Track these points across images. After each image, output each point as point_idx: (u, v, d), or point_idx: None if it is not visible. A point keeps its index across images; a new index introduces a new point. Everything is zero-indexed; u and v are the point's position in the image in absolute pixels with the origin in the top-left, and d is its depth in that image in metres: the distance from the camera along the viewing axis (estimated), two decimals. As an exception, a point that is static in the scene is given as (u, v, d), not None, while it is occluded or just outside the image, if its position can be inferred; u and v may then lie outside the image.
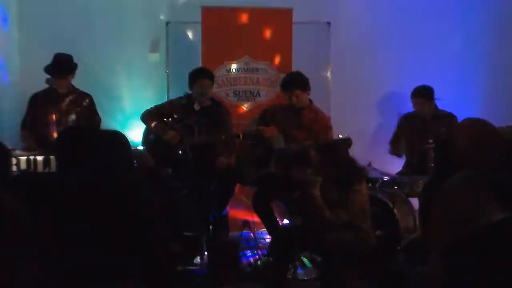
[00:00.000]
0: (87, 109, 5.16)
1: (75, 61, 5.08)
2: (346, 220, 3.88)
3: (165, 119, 4.91)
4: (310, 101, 4.90)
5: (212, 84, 5.05)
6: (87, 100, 5.18)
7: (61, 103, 5.05)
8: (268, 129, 4.84)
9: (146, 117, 4.98)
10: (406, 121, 5.49)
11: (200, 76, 4.94)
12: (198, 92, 4.89)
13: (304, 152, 4.44)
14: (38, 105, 5.05)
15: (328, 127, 4.85)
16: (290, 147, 4.72)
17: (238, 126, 5.16)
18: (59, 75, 4.98)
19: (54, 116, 5.01)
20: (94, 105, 5.22)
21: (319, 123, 4.82)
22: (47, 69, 4.97)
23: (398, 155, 5.53)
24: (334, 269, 3.75)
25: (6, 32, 5.64)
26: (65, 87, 5.06)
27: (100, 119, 5.24)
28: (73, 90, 5.13)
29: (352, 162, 4.12)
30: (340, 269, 3.75)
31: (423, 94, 5.34)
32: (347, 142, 4.35)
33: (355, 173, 4.07)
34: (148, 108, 5.04)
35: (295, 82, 4.79)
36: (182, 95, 5.03)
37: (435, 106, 5.40)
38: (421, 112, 5.39)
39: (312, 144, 4.46)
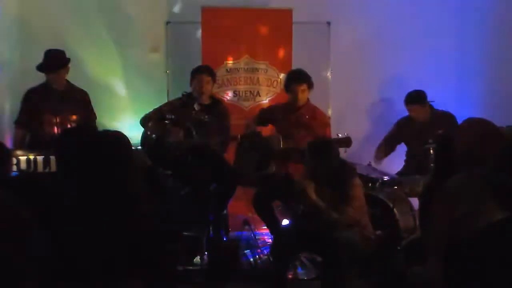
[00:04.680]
0: (83, 106, 5.13)
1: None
2: (353, 216, 3.90)
3: (166, 121, 4.89)
4: (307, 99, 4.92)
5: (213, 81, 5.04)
6: (83, 97, 5.13)
7: (57, 100, 4.99)
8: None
9: (146, 122, 4.97)
10: (405, 123, 5.48)
11: (199, 72, 4.94)
12: (197, 88, 4.89)
13: (301, 152, 4.46)
14: (33, 101, 4.98)
15: (326, 124, 4.88)
16: (289, 147, 4.73)
17: (238, 126, 5.16)
18: (50, 70, 4.90)
19: (49, 113, 4.98)
20: (90, 102, 5.19)
21: (318, 120, 4.84)
22: (39, 67, 4.91)
23: (380, 157, 5.44)
24: (336, 269, 3.75)
25: (6, 31, 5.63)
26: (61, 84, 5.02)
27: (96, 116, 5.21)
28: (69, 87, 5.10)
29: (339, 157, 4.14)
30: (342, 269, 3.75)
31: (416, 99, 5.26)
32: (346, 141, 4.36)
33: (345, 168, 4.09)
34: (147, 112, 5.03)
35: (304, 77, 4.83)
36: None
37: (431, 107, 5.38)
38: (418, 117, 5.34)
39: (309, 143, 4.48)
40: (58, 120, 4.96)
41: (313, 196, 3.97)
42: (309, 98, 4.93)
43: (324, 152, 4.05)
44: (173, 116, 4.78)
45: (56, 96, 4.99)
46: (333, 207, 3.91)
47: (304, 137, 4.67)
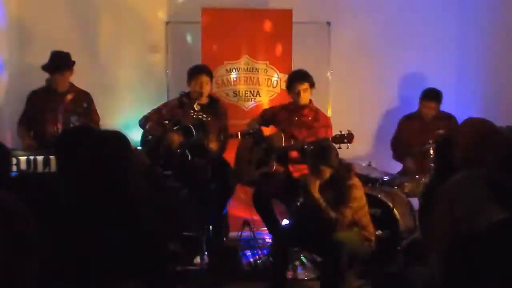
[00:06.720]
0: (86, 108, 5.15)
1: (73, 59, 5.08)
2: (350, 217, 3.90)
3: (165, 122, 4.88)
4: (310, 100, 4.92)
5: (211, 80, 5.05)
6: (86, 99, 5.17)
7: (60, 102, 5.03)
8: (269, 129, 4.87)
9: (144, 123, 4.98)
10: (406, 122, 5.49)
11: (198, 73, 4.93)
12: (197, 89, 4.88)
13: (303, 151, 4.46)
14: (37, 102, 5.04)
15: (328, 126, 4.88)
16: (290, 145, 4.73)
17: (238, 126, 5.16)
18: (56, 71, 4.96)
19: (52, 114, 5.00)
20: (93, 104, 5.22)
21: (320, 122, 4.86)
22: (45, 67, 4.97)
23: (399, 159, 5.50)
24: (336, 269, 3.76)
25: (6, 30, 5.63)
26: (64, 85, 5.05)
27: (99, 118, 5.23)
28: (73, 88, 5.12)
29: (338, 157, 4.13)
30: (342, 269, 3.76)
31: (436, 97, 5.31)
32: (349, 137, 4.37)
33: (344, 168, 4.09)
34: (145, 114, 5.04)
35: (305, 76, 4.84)
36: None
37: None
38: (427, 114, 5.36)
39: (309, 143, 4.48)
40: (60, 121, 4.98)
41: (316, 193, 3.97)
42: (311, 100, 4.93)
43: (324, 156, 4.03)
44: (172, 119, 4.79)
45: (59, 97, 5.03)
46: (333, 207, 3.92)
47: (305, 138, 4.67)
